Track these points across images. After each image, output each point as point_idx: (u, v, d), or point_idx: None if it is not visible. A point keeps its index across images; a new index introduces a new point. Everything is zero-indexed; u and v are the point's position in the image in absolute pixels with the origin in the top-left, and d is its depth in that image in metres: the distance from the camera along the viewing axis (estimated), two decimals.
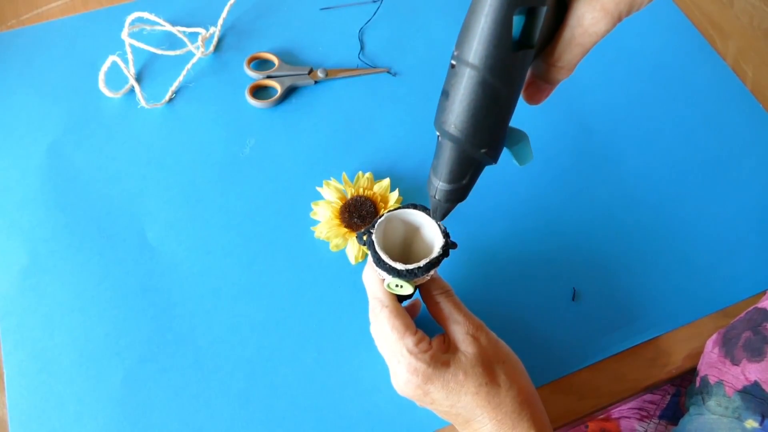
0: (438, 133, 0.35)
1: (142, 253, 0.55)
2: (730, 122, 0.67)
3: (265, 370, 0.51)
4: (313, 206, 0.57)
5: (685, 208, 0.61)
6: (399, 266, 0.41)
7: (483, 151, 0.34)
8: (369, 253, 0.42)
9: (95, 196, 0.58)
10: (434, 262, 0.41)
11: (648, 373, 0.53)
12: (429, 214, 0.43)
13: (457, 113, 0.33)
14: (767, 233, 0.60)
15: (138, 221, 0.56)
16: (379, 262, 0.41)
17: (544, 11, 0.30)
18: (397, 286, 0.42)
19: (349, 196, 0.56)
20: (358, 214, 0.55)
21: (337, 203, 0.56)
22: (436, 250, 0.42)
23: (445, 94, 0.33)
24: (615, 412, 0.65)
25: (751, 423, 0.44)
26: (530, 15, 0.31)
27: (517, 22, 0.32)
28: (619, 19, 0.33)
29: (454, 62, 0.32)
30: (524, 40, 0.32)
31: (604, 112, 0.67)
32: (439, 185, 0.37)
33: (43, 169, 0.59)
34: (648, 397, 0.63)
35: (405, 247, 0.47)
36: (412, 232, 0.45)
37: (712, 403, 0.47)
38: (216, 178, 0.59)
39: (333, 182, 0.58)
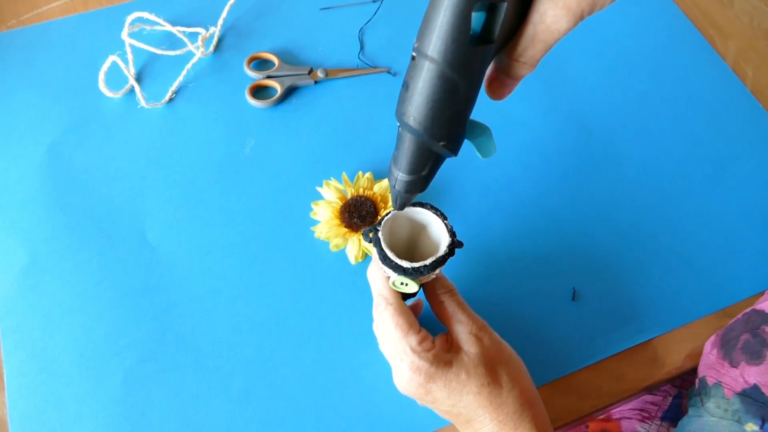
0: (398, 124, 0.35)
1: (142, 253, 0.55)
2: (730, 122, 0.67)
3: (265, 370, 0.51)
4: (313, 206, 0.57)
5: (685, 208, 0.61)
6: (405, 264, 0.41)
7: (442, 143, 0.34)
8: (375, 250, 0.42)
9: (95, 196, 0.58)
10: (440, 261, 0.41)
11: (648, 373, 0.53)
12: (436, 213, 0.43)
13: (416, 105, 0.33)
14: (767, 233, 0.60)
15: (138, 221, 0.56)
16: (385, 260, 0.41)
17: (504, 7, 0.30)
18: (402, 284, 0.42)
19: (349, 196, 0.56)
20: (358, 214, 0.55)
21: (337, 203, 0.56)
22: (443, 249, 0.42)
23: (405, 85, 0.33)
24: (616, 413, 0.65)
25: (752, 426, 0.44)
26: (491, 10, 0.32)
27: (478, 17, 0.32)
28: (581, 18, 0.33)
29: (414, 54, 0.32)
30: (485, 35, 0.32)
31: (604, 112, 0.67)
32: (398, 176, 0.37)
33: (43, 169, 0.59)
34: (649, 398, 0.63)
35: (411, 245, 0.47)
36: (419, 230, 0.45)
37: (710, 404, 0.47)
38: (216, 178, 0.59)
39: (333, 182, 0.58)
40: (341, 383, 0.50)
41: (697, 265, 0.58)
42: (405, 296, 0.45)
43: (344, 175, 0.58)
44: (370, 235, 0.43)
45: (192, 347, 0.51)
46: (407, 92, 0.33)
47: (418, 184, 0.37)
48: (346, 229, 0.55)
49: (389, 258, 0.41)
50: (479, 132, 0.37)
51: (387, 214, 0.43)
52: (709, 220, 0.61)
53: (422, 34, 0.31)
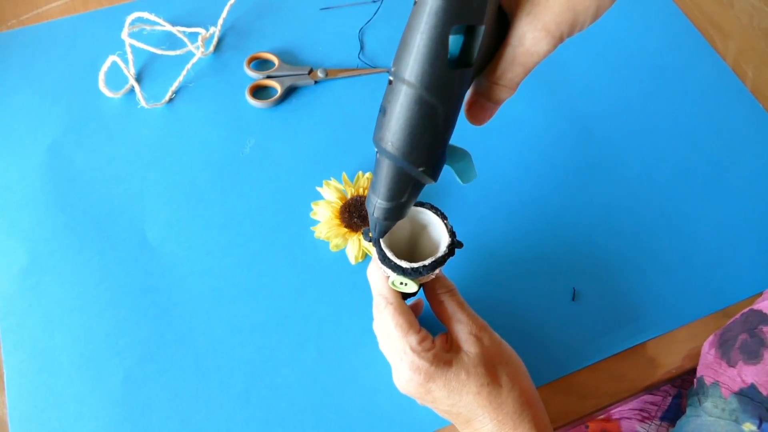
0: (376, 150, 0.34)
1: (142, 253, 0.55)
2: (730, 122, 0.67)
3: (265, 370, 0.51)
4: (313, 206, 0.57)
5: (685, 208, 0.61)
6: (404, 264, 0.41)
7: (421, 169, 0.33)
8: (374, 250, 0.42)
9: (95, 196, 0.58)
10: (440, 261, 0.41)
11: (648, 373, 0.53)
12: (436, 213, 0.43)
13: (394, 131, 0.32)
14: (767, 233, 0.60)
15: (138, 221, 0.56)
16: (385, 260, 0.42)
17: (482, 30, 0.30)
18: (401, 284, 0.42)
19: (349, 196, 0.56)
20: (358, 214, 0.55)
21: (337, 203, 0.56)
22: (442, 249, 0.42)
23: (383, 110, 0.32)
24: (616, 413, 0.65)
25: (749, 426, 0.44)
26: (468, 34, 0.31)
27: (455, 40, 0.31)
28: (561, 40, 0.32)
29: (391, 78, 0.31)
30: (463, 59, 0.32)
31: (604, 113, 0.67)
32: (377, 203, 0.35)
33: (43, 169, 0.59)
34: (649, 398, 0.63)
35: (411, 245, 0.47)
36: (419, 230, 0.46)
37: (708, 404, 0.47)
38: (216, 178, 0.59)
39: (333, 182, 0.58)
40: (341, 383, 0.50)
41: (696, 266, 0.58)
42: (405, 296, 0.45)
43: (344, 175, 0.58)
44: (370, 234, 0.43)
45: (192, 347, 0.51)
46: (384, 117, 0.32)
47: (397, 211, 0.36)
48: (346, 229, 0.55)
49: (388, 258, 0.41)
50: (459, 157, 0.36)
51: None
52: (708, 220, 0.61)
53: (399, 57, 0.30)
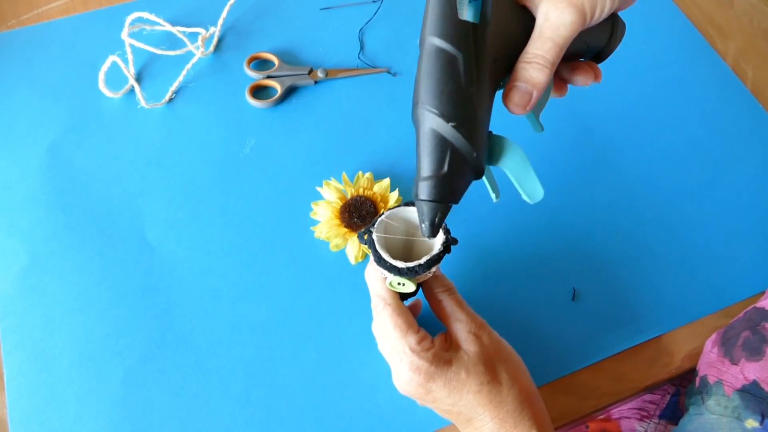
0: (413, 123, 0.35)
1: (142, 253, 0.55)
2: (730, 122, 0.67)
3: (265, 370, 0.51)
4: (313, 206, 0.57)
5: (685, 207, 0.61)
6: (400, 264, 0.41)
7: (452, 124, 0.33)
8: (370, 251, 0.42)
9: (95, 196, 0.58)
10: (435, 259, 0.41)
11: (648, 373, 0.53)
12: None
13: (420, 88, 0.33)
14: (767, 233, 0.60)
15: (138, 221, 0.56)
16: (380, 261, 0.42)
17: None
18: (399, 284, 0.42)
19: (349, 196, 0.56)
20: (358, 214, 0.55)
21: (337, 203, 0.56)
22: (437, 247, 0.42)
23: (416, 81, 0.34)
24: (615, 413, 0.65)
25: (752, 423, 0.44)
26: None
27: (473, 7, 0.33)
28: (584, 13, 0.35)
29: (419, 49, 0.34)
30: (476, 18, 0.33)
31: (604, 112, 0.67)
32: (419, 184, 0.34)
33: (43, 169, 0.59)
34: (648, 397, 0.63)
35: (407, 245, 0.47)
36: (414, 229, 0.46)
37: (711, 402, 0.47)
38: (216, 178, 0.59)
39: (333, 182, 0.58)
40: (341, 383, 0.50)
41: (697, 265, 0.58)
42: (404, 296, 0.45)
43: (344, 175, 0.58)
44: (365, 236, 0.43)
45: (192, 347, 0.51)
46: (415, 84, 0.34)
47: (440, 188, 0.33)
48: (346, 229, 0.55)
49: (384, 259, 0.41)
50: (506, 149, 0.37)
51: (381, 215, 0.43)
52: (709, 219, 0.61)
53: (422, 25, 0.33)
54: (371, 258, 0.43)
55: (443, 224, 0.41)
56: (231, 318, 0.53)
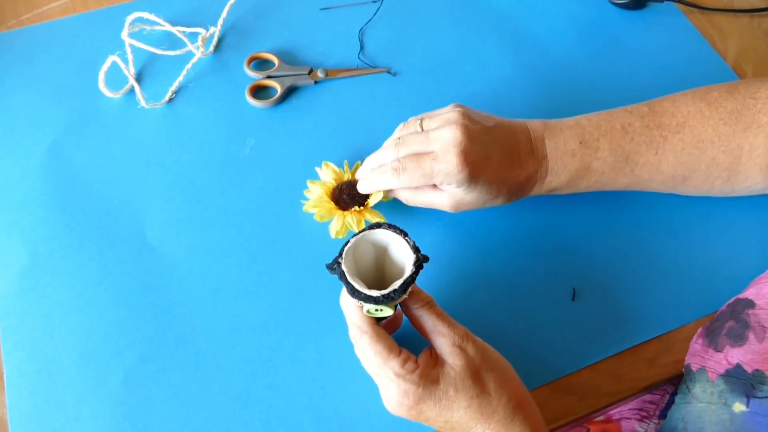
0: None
1: (142, 253, 0.55)
2: None
3: (265, 370, 0.51)
4: (309, 185, 0.57)
5: (685, 207, 0.61)
6: (374, 293, 0.40)
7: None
8: (343, 283, 0.41)
9: (95, 196, 0.58)
10: (409, 281, 0.40)
11: (648, 373, 0.53)
12: (395, 231, 0.42)
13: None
14: (767, 233, 0.60)
15: (138, 221, 0.56)
16: (354, 293, 0.41)
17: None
18: (376, 310, 0.42)
19: (344, 179, 0.57)
20: (348, 193, 0.55)
21: (332, 183, 0.56)
22: (409, 268, 0.41)
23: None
24: (615, 414, 0.65)
25: (739, 406, 0.43)
26: None
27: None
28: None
29: None
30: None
31: None
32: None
33: (43, 169, 0.59)
34: (648, 397, 0.63)
35: (378, 267, 0.46)
36: (383, 251, 0.45)
37: (697, 389, 0.47)
38: (216, 178, 0.59)
39: (332, 165, 0.58)
40: (341, 383, 0.50)
41: (697, 265, 0.58)
42: (380, 318, 0.45)
43: (345, 162, 0.59)
44: (334, 267, 0.42)
45: (192, 347, 0.51)
46: None
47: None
48: (332, 204, 0.55)
49: (357, 290, 0.40)
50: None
51: (346, 244, 0.43)
52: (708, 220, 0.61)
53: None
54: (344, 289, 0.43)
55: (412, 242, 0.42)
56: (231, 318, 0.53)
